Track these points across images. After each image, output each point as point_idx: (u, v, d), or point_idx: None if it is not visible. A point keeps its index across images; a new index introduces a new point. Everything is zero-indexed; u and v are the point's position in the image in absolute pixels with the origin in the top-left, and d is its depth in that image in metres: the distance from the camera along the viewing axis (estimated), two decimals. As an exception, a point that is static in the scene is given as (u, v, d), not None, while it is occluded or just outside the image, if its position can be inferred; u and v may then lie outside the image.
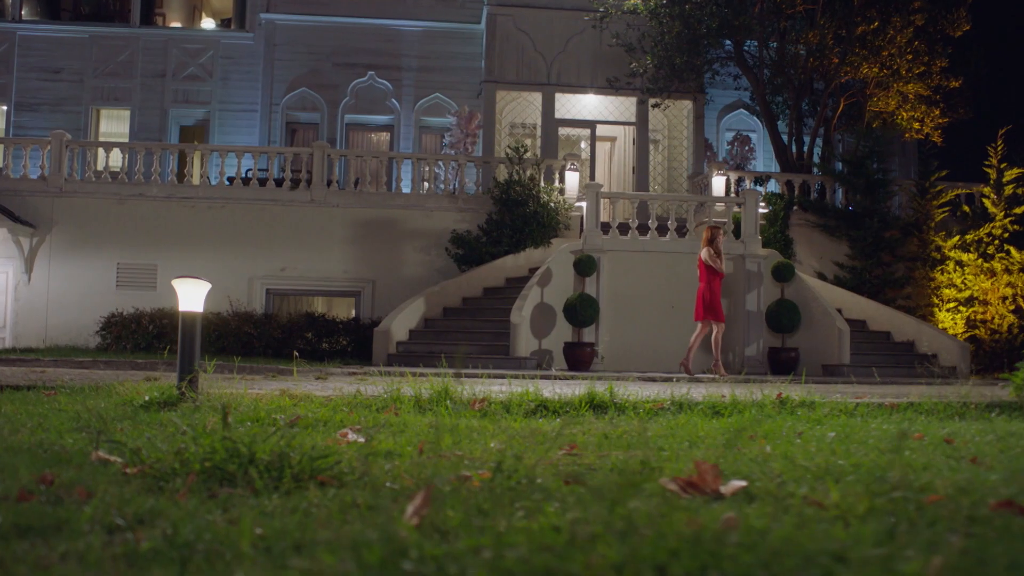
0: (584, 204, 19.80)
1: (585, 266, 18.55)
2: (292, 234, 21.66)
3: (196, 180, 22.42)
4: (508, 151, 22.32)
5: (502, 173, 22.40)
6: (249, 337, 19.40)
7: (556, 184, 22.27)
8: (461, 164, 22.70)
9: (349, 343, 19.82)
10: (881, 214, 22.53)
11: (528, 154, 22.36)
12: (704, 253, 16.75)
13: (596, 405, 6.76)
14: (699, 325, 16.89)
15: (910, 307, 22.18)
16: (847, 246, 22.88)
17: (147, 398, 5.71)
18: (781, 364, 18.99)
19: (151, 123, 28.68)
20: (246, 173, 23.00)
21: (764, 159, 29.78)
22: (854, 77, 23.88)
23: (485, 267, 21.00)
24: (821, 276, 22.50)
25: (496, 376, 14.52)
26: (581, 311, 18.18)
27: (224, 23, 31.16)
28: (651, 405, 6.82)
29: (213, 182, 22.38)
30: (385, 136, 29.80)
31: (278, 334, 19.54)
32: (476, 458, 3.83)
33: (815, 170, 24.82)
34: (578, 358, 18.12)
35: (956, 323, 22.13)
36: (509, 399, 6.61)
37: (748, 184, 23.62)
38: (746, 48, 25.27)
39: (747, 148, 28.29)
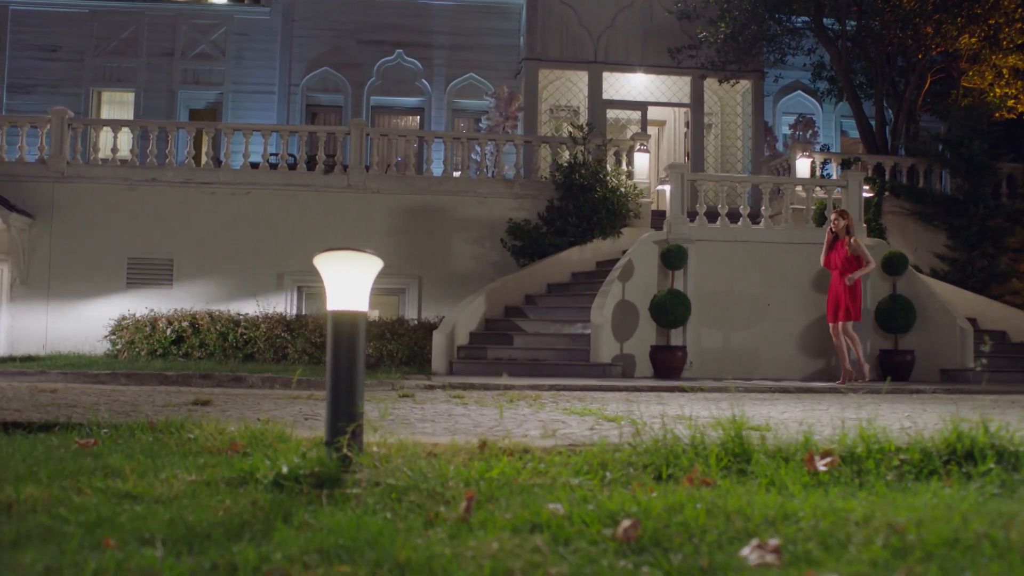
0: (667, 188, 17.25)
1: (674, 258, 16.01)
2: (326, 224, 19.04)
3: (216, 164, 19.81)
4: (571, 129, 19.76)
5: (563, 156, 19.84)
6: (283, 342, 16.81)
7: (623, 167, 19.70)
8: (518, 145, 20.13)
9: (397, 348, 17.26)
10: (986, 200, 20.00)
11: (577, 134, 19.75)
12: None
13: (968, 454, 4.21)
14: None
15: (1019, 304, 19.67)
16: (945, 236, 20.36)
17: (285, 470, 3.13)
18: (894, 368, 16.46)
19: (158, 106, 26.03)
20: (271, 157, 20.35)
21: (827, 145, 27.26)
22: (947, 50, 21.35)
23: (547, 260, 18.44)
24: (916, 269, 19.98)
25: (589, 388, 12.00)
26: (671, 310, 15.64)
27: (237, -3, 28.50)
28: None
29: (236, 166, 19.75)
30: (415, 120, 27.23)
31: (316, 338, 16.95)
32: None
33: (900, 151, 22.34)
34: (668, 364, 15.58)
35: (1070, 322, 19.61)
36: (849, 446, 4.07)
37: (835, 167, 21.12)
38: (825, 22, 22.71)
39: (811, 132, 25.84)
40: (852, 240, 14.24)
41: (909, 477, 3.87)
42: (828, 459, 3.73)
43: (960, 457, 4.10)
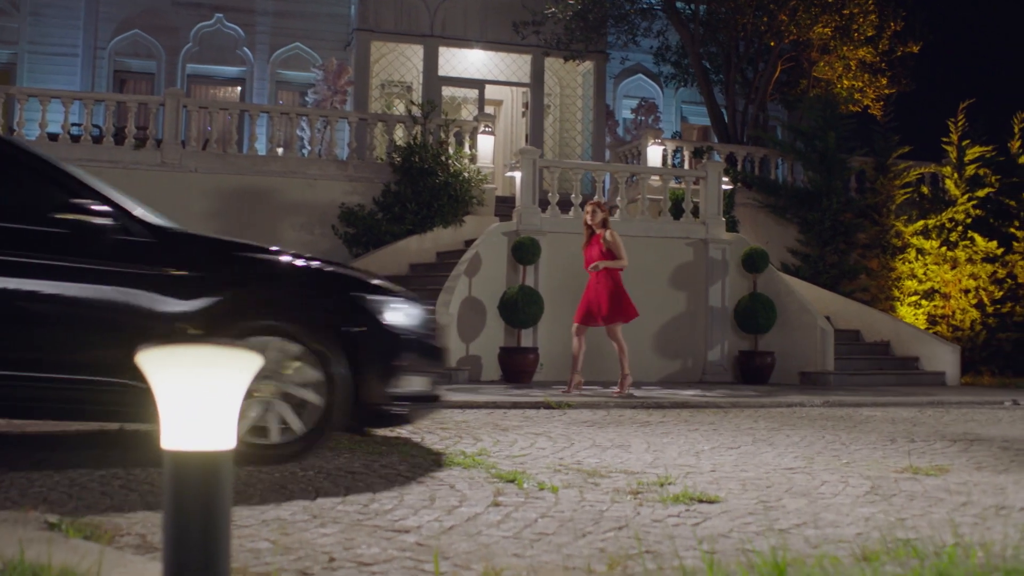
0: (517, 174, 15.93)
1: (526, 252, 14.72)
2: (137, 206, 16.96)
3: (7, 134, 17.47)
4: (411, 106, 18.24)
5: (399, 134, 18.31)
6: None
7: (466, 150, 18.28)
8: (352, 123, 18.47)
9: (215, 346, 15.44)
10: (839, 194, 19.44)
11: (417, 112, 18.24)
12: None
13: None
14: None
15: (867, 301, 19.24)
16: (797, 230, 19.73)
17: None
18: (754, 371, 15.69)
19: (-60, 66, 23.23)
20: (72, 128, 18.09)
21: (667, 133, 26.46)
22: (800, 38, 20.73)
23: (384, 250, 16.92)
24: (767, 265, 19.33)
25: (445, 406, 10.57)
26: (523, 308, 14.39)
27: (35, -52, 25.73)
28: None
29: (31, 136, 17.45)
30: (235, 91, 25.16)
31: (123, 335, 14.97)
32: None
33: (746, 140, 21.66)
34: (519, 367, 14.36)
35: (917, 318, 19.32)
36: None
37: (686, 156, 20.23)
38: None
39: (653, 117, 24.99)
40: (608, 234, 12.58)
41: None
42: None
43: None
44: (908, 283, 19.43)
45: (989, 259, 19.56)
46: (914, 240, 19.58)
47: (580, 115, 26.17)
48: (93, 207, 5.47)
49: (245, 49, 24.63)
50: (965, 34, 32.16)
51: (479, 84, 24.86)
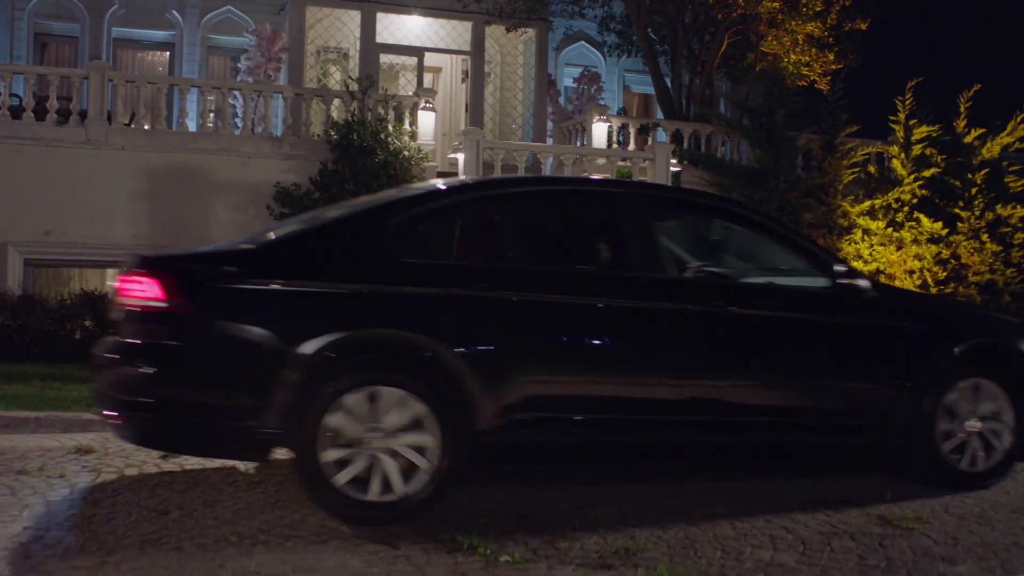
0: (460, 156, 15.38)
1: (471, 239, 14.19)
2: (60, 186, 16.06)
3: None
4: (349, 81, 17.55)
5: (334, 108, 17.65)
6: (6, 331, 14.03)
7: (407, 127, 17.66)
8: (288, 98, 17.73)
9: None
10: (787, 173, 19.13)
11: (353, 86, 17.57)
12: None
13: None
14: None
15: (811, 282, 18.99)
16: (743, 210, 19.38)
17: None
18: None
19: None
20: (-10, 100, 17.12)
21: (609, 102, 26.00)
22: (747, 12, 20.33)
23: (321, 233, 16.24)
24: (713, 245, 18.96)
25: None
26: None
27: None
28: None
29: (-54, 111, 16.52)
30: (163, 55, 24.21)
31: (47, 324, 14.24)
32: None
33: (692, 115, 21.27)
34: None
35: (862, 300, 19.10)
36: None
37: (631, 131, 19.78)
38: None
39: (596, 87, 24.48)
40: None
41: None
42: None
43: None
44: (854, 264, 19.22)
45: (934, 240, 19.37)
46: (860, 221, 19.33)
47: (521, 84, 25.60)
48: (852, 269, 6.63)
49: (174, 12, 23.69)
50: (913, 11, 32.00)
51: (418, 52, 24.16)
